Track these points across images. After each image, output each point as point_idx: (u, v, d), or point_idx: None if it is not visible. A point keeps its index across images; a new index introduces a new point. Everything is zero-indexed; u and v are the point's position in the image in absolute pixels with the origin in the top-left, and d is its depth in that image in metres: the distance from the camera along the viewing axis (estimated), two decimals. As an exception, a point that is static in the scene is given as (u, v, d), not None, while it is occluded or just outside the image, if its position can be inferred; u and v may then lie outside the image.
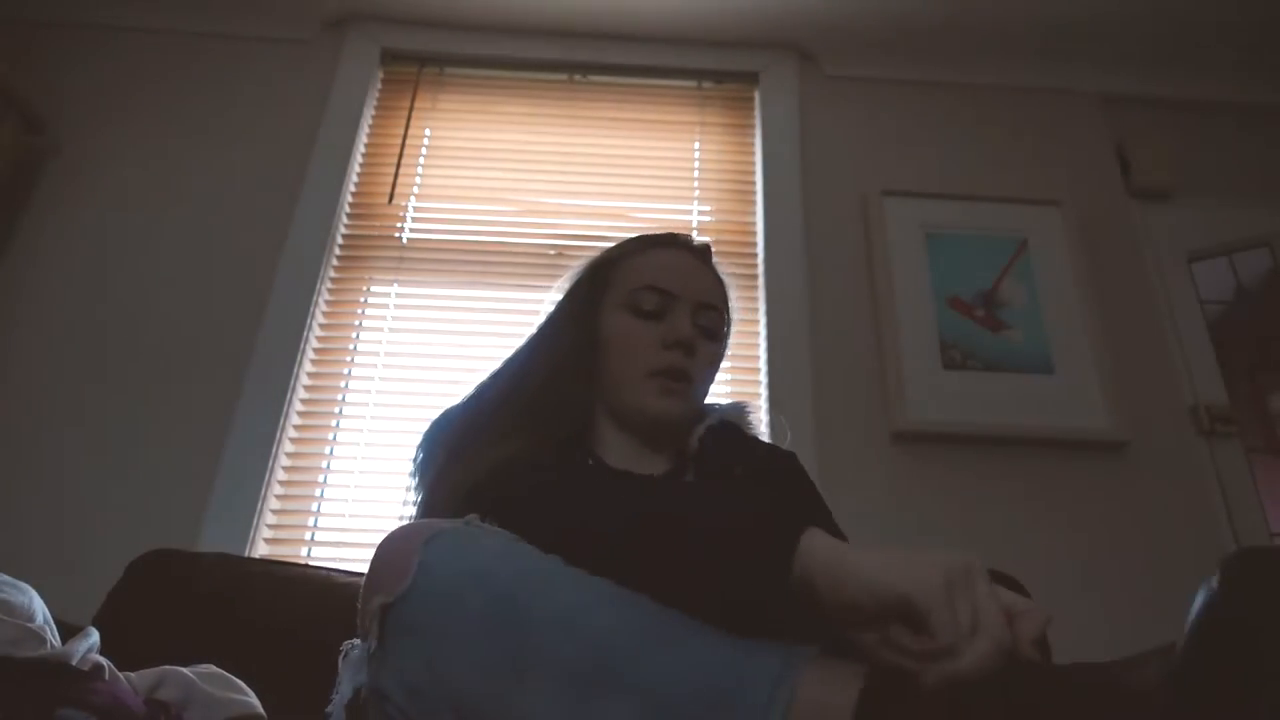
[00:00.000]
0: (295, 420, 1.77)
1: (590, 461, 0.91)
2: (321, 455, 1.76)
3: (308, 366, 1.83)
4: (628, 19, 2.17)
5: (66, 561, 1.56)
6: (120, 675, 0.82)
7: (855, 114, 2.16)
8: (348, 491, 1.72)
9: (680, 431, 0.98)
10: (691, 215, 2.07)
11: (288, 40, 2.16)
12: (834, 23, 2.15)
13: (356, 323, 1.90)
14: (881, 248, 1.95)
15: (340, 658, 0.73)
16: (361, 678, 0.66)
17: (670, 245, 1.03)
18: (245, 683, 0.93)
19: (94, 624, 0.92)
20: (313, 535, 1.69)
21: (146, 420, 1.71)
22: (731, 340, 1.06)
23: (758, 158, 2.11)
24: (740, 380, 1.84)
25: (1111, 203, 2.08)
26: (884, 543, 0.90)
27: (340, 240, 1.97)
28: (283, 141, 2.03)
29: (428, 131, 2.12)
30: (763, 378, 1.83)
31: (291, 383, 1.76)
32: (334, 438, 1.78)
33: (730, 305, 1.05)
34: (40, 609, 0.83)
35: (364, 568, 1.37)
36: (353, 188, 2.03)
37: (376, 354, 1.86)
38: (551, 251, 1.98)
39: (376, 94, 2.16)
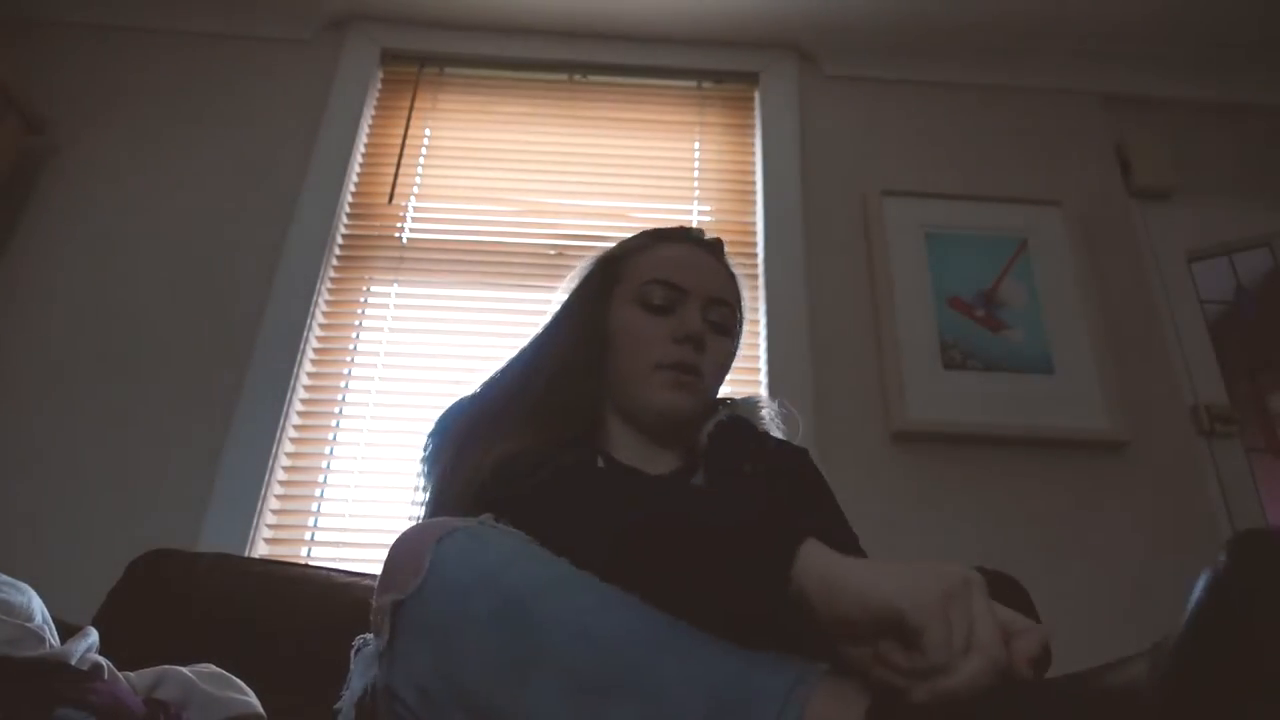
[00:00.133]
0: (295, 420, 1.77)
1: (598, 458, 0.89)
2: (321, 455, 1.76)
3: (308, 366, 1.83)
4: (628, 19, 2.17)
5: (66, 561, 1.56)
6: (119, 675, 0.82)
7: (855, 114, 2.16)
8: (348, 491, 1.72)
9: (690, 427, 0.96)
10: (691, 215, 2.07)
11: (288, 40, 2.16)
12: (834, 23, 2.15)
13: (356, 323, 1.90)
14: (881, 248, 1.95)
15: (353, 652, 0.73)
16: (372, 675, 0.66)
17: (680, 240, 1.02)
18: (245, 683, 0.93)
19: (94, 624, 0.92)
20: (313, 535, 1.69)
21: (146, 420, 1.71)
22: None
23: (758, 158, 2.11)
24: (740, 380, 1.84)
25: (1111, 203, 2.08)
26: (885, 551, 0.91)
27: (340, 240, 1.97)
28: (283, 141, 2.03)
29: (428, 131, 2.12)
30: (763, 378, 1.83)
31: (291, 383, 1.76)
32: (334, 438, 1.78)
33: (743, 302, 1.03)
34: (39, 608, 0.83)
35: (364, 568, 1.38)
36: (353, 188, 2.03)
37: (376, 354, 1.86)
38: (551, 251, 1.98)
39: (376, 94, 2.16)
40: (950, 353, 1.85)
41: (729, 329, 0.99)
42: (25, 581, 0.86)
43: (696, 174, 2.11)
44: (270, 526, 1.68)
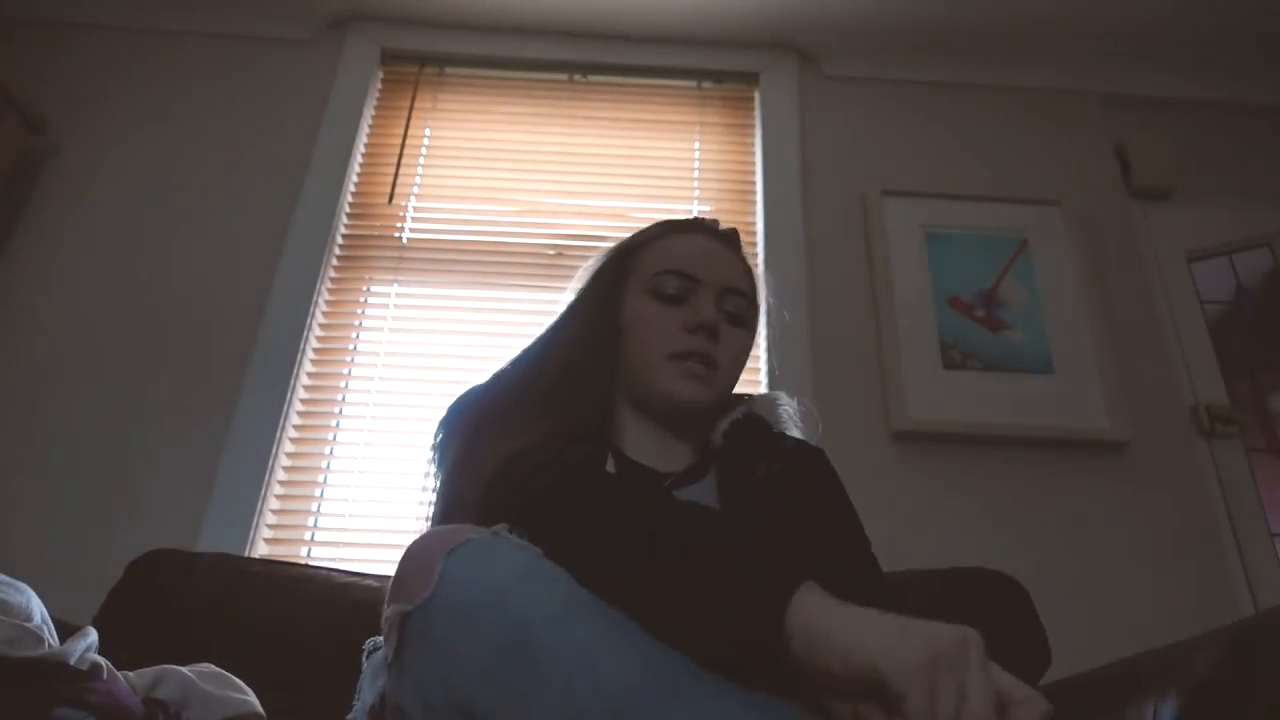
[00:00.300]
0: (295, 420, 1.77)
1: (609, 455, 0.88)
2: (321, 455, 1.76)
3: (308, 366, 1.83)
4: (628, 19, 2.17)
5: (66, 561, 1.56)
6: (118, 674, 0.82)
7: (855, 114, 2.16)
8: (348, 491, 1.72)
9: (704, 421, 0.95)
10: (691, 215, 2.06)
11: (288, 40, 2.16)
12: (834, 23, 2.15)
13: (356, 323, 1.90)
14: (881, 247, 1.95)
15: (364, 655, 0.72)
16: (381, 684, 0.65)
17: (694, 230, 1.00)
18: (245, 683, 0.93)
19: (94, 624, 0.92)
20: (313, 535, 1.69)
21: (146, 420, 1.71)
22: None
23: (758, 158, 2.11)
24: (739, 380, 1.83)
25: (1111, 203, 2.08)
26: (886, 551, 0.90)
27: (340, 240, 1.97)
28: (283, 141, 2.03)
29: (428, 131, 2.12)
30: (762, 378, 1.83)
31: (291, 383, 1.76)
32: (334, 438, 1.78)
33: (760, 293, 1.01)
34: (38, 608, 0.83)
35: (364, 568, 1.38)
36: (353, 188, 2.03)
37: (376, 354, 1.86)
38: (551, 251, 1.98)
39: (376, 94, 2.16)
40: (950, 353, 1.85)
41: (744, 320, 0.96)
42: (25, 581, 0.86)
43: (696, 174, 2.11)
44: (270, 526, 1.68)
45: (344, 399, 1.81)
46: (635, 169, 2.10)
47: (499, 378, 0.94)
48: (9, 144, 1.86)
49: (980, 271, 1.94)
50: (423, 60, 2.20)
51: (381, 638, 0.65)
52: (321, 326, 1.88)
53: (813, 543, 0.84)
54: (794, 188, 2.03)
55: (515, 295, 1.93)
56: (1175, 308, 1.99)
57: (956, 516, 1.70)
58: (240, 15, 2.16)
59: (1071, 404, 1.80)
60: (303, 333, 1.81)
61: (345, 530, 1.69)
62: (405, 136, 2.09)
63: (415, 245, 1.98)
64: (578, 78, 2.22)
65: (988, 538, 1.67)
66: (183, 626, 1.15)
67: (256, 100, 2.08)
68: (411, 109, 2.13)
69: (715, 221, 1.04)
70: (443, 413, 0.91)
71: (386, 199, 2.02)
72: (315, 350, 1.85)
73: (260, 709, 0.91)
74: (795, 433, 1.01)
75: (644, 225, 1.05)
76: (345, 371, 1.84)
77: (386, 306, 1.91)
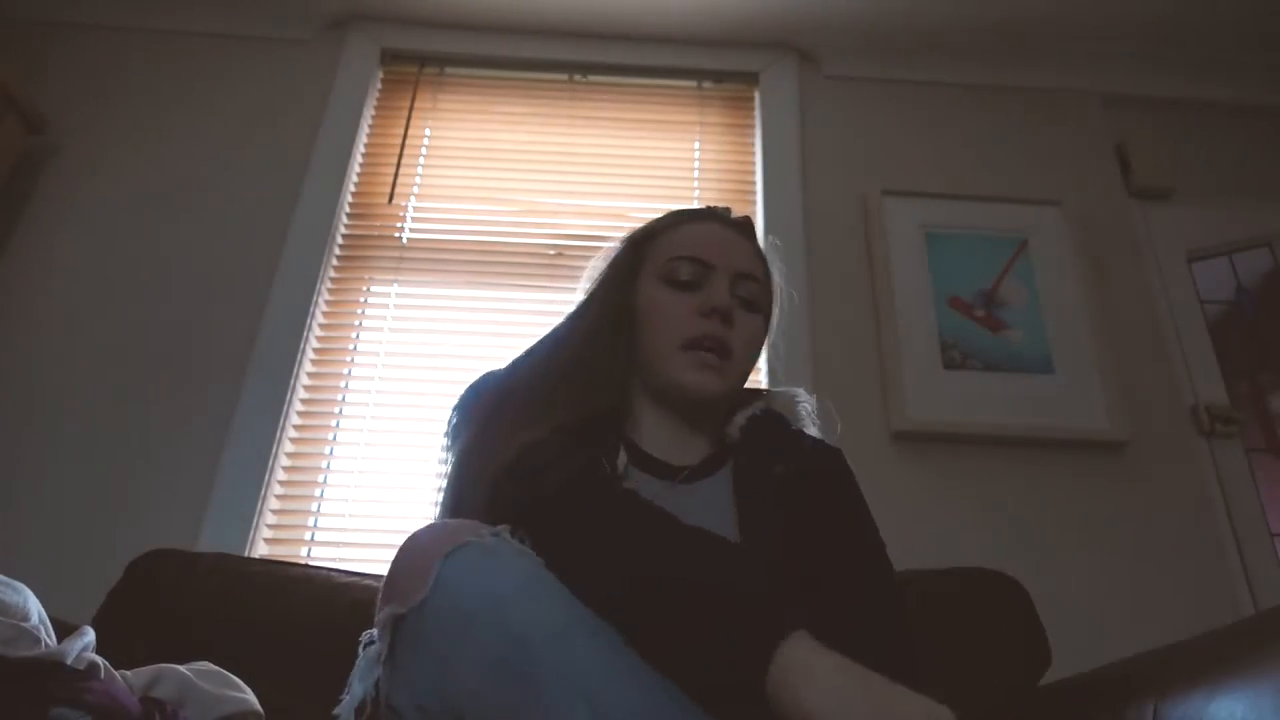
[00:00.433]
0: (295, 420, 1.77)
1: (622, 447, 0.87)
2: (321, 455, 1.76)
3: (308, 366, 1.83)
4: (628, 19, 2.17)
5: (66, 561, 1.56)
6: (116, 673, 0.82)
7: (855, 114, 2.16)
8: (348, 491, 1.72)
9: (719, 411, 0.94)
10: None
11: (288, 40, 2.16)
12: (834, 23, 2.15)
13: (356, 323, 1.90)
14: (881, 247, 1.95)
15: (360, 646, 0.72)
16: (372, 680, 0.64)
17: (708, 218, 1.00)
18: (244, 682, 0.93)
19: (94, 624, 0.92)
20: (313, 535, 1.69)
21: (147, 420, 1.71)
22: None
23: (758, 158, 2.11)
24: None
25: (1111, 203, 2.08)
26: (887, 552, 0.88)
27: (340, 240, 1.97)
28: (283, 141, 2.03)
29: (428, 131, 2.12)
30: (762, 378, 1.83)
31: (291, 383, 1.76)
32: (334, 438, 1.78)
33: (775, 281, 1.00)
34: (35, 608, 0.83)
35: (364, 568, 1.38)
36: (353, 188, 2.03)
37: (376, 354, 1.85)
38: (551, 251, 1.98)
39: (376, 94, 2.16)
40: (950, 353, 1.85)
41: (759, 305, 0.95)
42: (25, 581, 0.86)
43: (696, 174, 2.11)
44: (270, 526, 1.68)
45: (344, 399, 1.81)
46: (635, 169, 2.10)
47: (516, 364, 0.93)
48: (9, 144, 1.86)
49: (980, 271, 1.94)
50: (423, 60, 2.20)
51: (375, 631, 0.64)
52: (321, 326, 1.88)
53: (825, 547, 0.83)
54: (794, 188, 2.03)
55: (515, 295, 1.93)
56: (1175, 308, 1.98)
57: (956, 516, 1.70)
58: (240, 15, 2.16)
59: (1071, 404, 1.80)
60: (303, 332, 1.81)
61: (345, 530, 1.69)
62: (405, 136, 2.09)
63: (415, 245, 1.98)
64: (578, 78, 2.22)
65: (988, 538, 1.67)
66: (183, 626, 1.15)
67: (256, 100, 2.08)
68: (411, 109, 2.13)
69: (728, 210, 1.03)
70: (455, 399, 0.91)
71: (386, 199, 2.02)
72: (315, 350, 1.85)
73: (259, 707, 0.91)
74: (813, 431, 1.00)
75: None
76: (345, 371, 1.84)
77: (386, 306, 1.91)
